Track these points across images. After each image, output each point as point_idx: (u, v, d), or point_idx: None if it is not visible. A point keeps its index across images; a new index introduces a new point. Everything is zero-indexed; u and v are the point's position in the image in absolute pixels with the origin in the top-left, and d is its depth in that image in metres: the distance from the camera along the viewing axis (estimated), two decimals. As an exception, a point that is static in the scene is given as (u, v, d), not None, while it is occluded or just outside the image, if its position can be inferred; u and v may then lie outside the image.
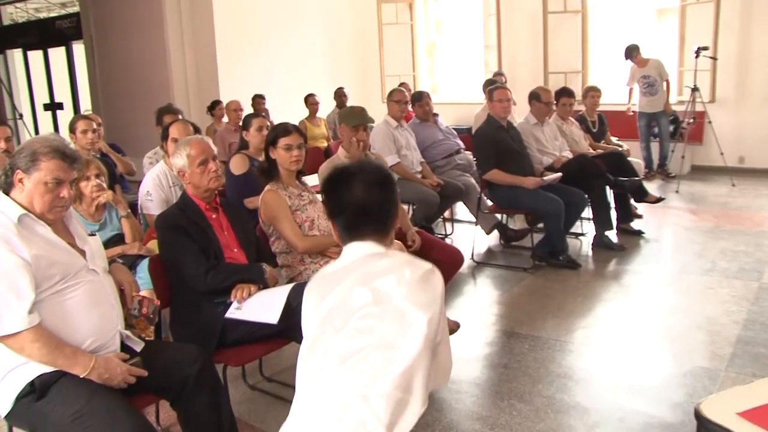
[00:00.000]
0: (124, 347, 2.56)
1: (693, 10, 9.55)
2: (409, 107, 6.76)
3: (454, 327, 3.67)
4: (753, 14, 9.09)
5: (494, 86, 6.02)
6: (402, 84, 8.66)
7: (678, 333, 4.20)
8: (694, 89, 8.58)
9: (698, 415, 1.75)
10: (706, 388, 3.41)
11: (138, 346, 2.60)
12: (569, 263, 5.46)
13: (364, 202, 1.89)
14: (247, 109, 8.06)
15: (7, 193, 2.42)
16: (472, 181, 6.13)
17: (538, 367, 3.75)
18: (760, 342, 3.95)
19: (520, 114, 7.00)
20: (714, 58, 8.93)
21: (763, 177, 8.94)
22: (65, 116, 13.16)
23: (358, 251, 1.89)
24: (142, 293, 2.91)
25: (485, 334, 4.30)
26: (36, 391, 2.29)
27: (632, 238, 6.23)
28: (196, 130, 4.69)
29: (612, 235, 6.07)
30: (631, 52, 8.99)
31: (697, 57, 8.52)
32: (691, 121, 8.78)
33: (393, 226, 1.96)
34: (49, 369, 2.31)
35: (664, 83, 8.93)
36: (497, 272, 5.55)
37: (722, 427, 1.69)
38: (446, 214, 6.64)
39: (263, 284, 3.13)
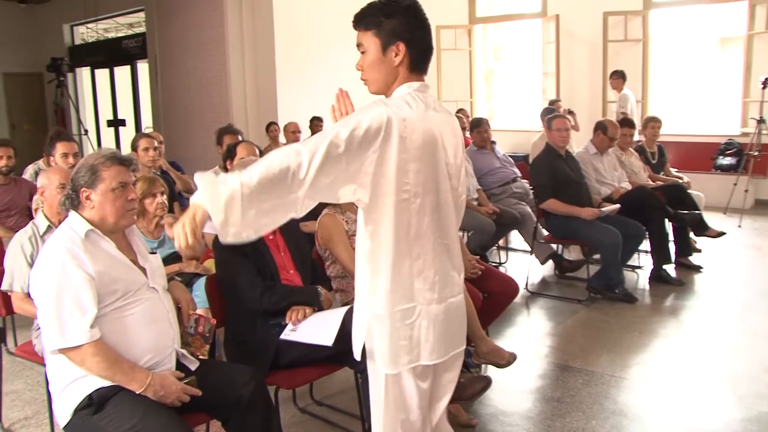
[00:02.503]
0: (180, 365, 2.59)
1: (760, 40, 9.34)
2: (467, 134, 6.73)
3: (510, 359, 3.60)
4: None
5: (553, 115, 5.98)
6: (459, 110, 8.68)
7: (742, 375, 4.05)
8: (760, 121, 8.37)
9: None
10: (769, 434, 3.29)
11: (193, 365, 2.63)
12: (625, 297, 5.35)
13: None
14: (305, 131, 8.14)
15: (80, 214, 2.48)
16: (528, 209, 6.07)
17: (592, 402, 3.67)
18: (829, 387, 3.79)
19: (577, 141, 6.91)
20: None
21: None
22: (127, 132, 13.52)
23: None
24: (198, 312, 2.95)
25: (538, 366, 4.23)
26: (94, 404, 2.33)
27: (691, 272, 6.08)
28: (260, 152, 4.77)
29: (670, 269, 5.94)
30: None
31: (764, 88, 8.33)
32: (756, 153, 8.55)
33: None
34: (107, 383, 2.35)
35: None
36: (551, 303, 5.47)
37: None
38: (501, 242, 6.59)
39: (318, 307, 3.14)
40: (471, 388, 3.27)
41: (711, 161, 9.44)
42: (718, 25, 10.61)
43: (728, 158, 9.38)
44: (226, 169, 4.65)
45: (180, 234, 1.81)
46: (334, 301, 3.36)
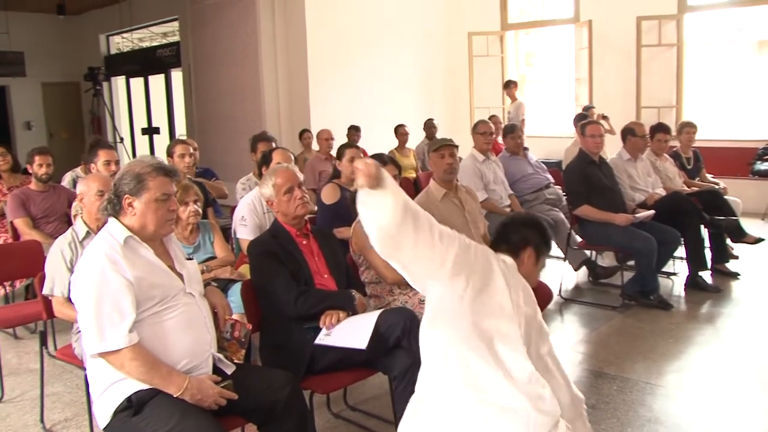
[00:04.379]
0: (216, 370, 2.62)
1: (797, 44, 9.22)
2: (499, 139, 6.70)
3: None
4: None
5: (586, 121, 5.94)
6: (492, 117, 8.65)
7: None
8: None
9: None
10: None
11: (229, 369, 2.66)
12: (661, 303, 5.29)
13: None
14: (339, 139, 8.18)
15: (119, 220, 2.53)
16: (562, 216, 6.04)
17: (627, 410, 3.63)
18: None
19: (611, 147, 6.86)
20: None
21: None
22: (161, 140, 13.72)
23: None
24: (234, 317, 2.98)
25: (572, 373, 4.19)
26: (133, 406, 2.38)
27: (728, 279, 6.00)
28: (295, 159, 4.81)
29: (706, 275, 5.85)
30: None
31: (801, 92, 8.20)
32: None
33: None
34: (145, 386, 2.39)
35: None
36: (585, 310, 5.43)
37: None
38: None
39: (353, 311, 3.16)
40: None
41: (748, 167, 9.29)
42: (754, 28, 10.46)
43: (766, 163, 9.23)
44: (260, 176, 4.70)
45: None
46: (368, 306, 3.37)
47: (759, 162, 9.28)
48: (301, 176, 3.40)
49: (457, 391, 2.15)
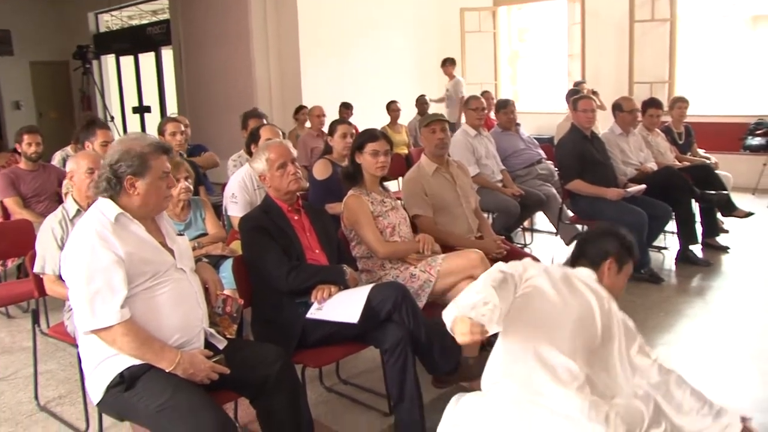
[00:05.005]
0: (208, 344, 2.63)
1: (791, 19, 9.20)
2: (491, 114, 6.68)
3: None
4: None
5: (579, 96, 5.93)
6: (484, 92, 8.63)
7: (765, 354, 4.03)
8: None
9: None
10: (798, 412, 3.27)
11: (221, 344, 2.66)
12: (651, 277, 5.32)
13: None
14: (331, 116, 8.15)
15: (114, 199, 2.50)
16: (554, 191, 6.04)
17: (618, 382, 3.65)
18: None
19: (603, 123, 6.87)
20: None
21: None
22: (153, 119, 13.64)
23: None
24: (226, 292, 2.99)
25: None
26: (125, 382, 2.38)
27: (718, 253, 6.03)
28: (283, 135, 4.80)
29: (697, 249, 5.88)
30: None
31: (794, 66, 8.20)
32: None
33: None
34: (137, 362, 2.39)
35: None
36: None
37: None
38: (526, 223, 6.57)
39: (344, 285, 3.17)
40: (477, 367, 3.30)
41: (740, 141, 9.31)
42: (748, 3, 10.40)
43: (758, 138, 9.24)
44: (250, 153, 4.68)
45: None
46: (359, 280, 3.39)
47: (750, 137, 9.29)
48: (294, 152, 3.39)
49: (511, 389, 2.21)
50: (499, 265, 2.36)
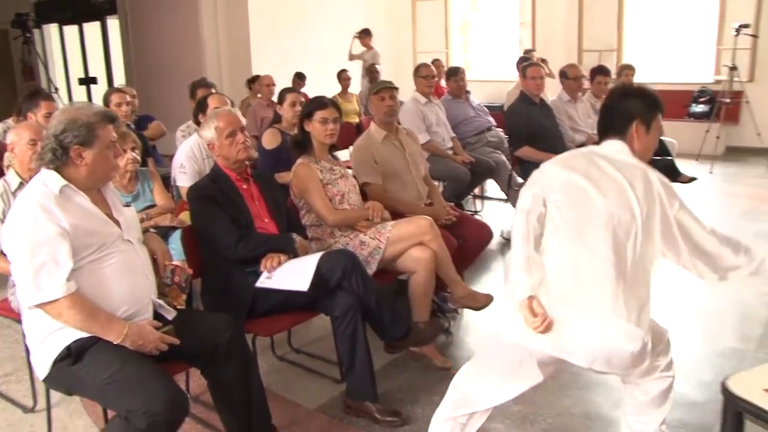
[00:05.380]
0: (157, 315, 2.61)
1: (734, -13, 9.35)
2: (442, 82, 6.69)
3: (486, 300, 3.68)
4: (796, -9, 8.88)
5: (528, 63, 5.98)
6: (435, 61, 8.63)
7: (709, 314, 4.19)
8: (733, 68, 8.43)
9: (726, 391, 1.76)
10: (734, 368, 3.35)
11: (170, 315, 2.65)
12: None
13: None
14: (281, 85, 8.06)
15: (59, 171, 2.44)
16: (503, 158, 6.10)
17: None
18: (792, 324, 3.93)
19: (553, 90, 6.94)
20: (755, 36, 8.75)
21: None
22: (99, 91, 13.31)
23: None
24: (175, 263, 2.96)
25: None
26: (72, 355, 2.35)
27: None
28: (231, 104, 4.74)
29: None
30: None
31: (737, 35, 8.37)
32: (728, 101, 8.64)
33: None
34: (84, 335, 2.36)
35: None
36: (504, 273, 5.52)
37: (749, 403, 1.70)
38: (476, 191, 6.63)
39: (293, 253, 3.17)
40: (429, 332, 3.36)
41: (684, 109, 9.51)
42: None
43: (701, 106, 9.45)
44: (198, 123, 4.62)
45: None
46: (309, 248, 3.39)
47: (695, 104, 9.50)
48: (243, 120, 3.36)
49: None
50: (521, 204, 2.34)
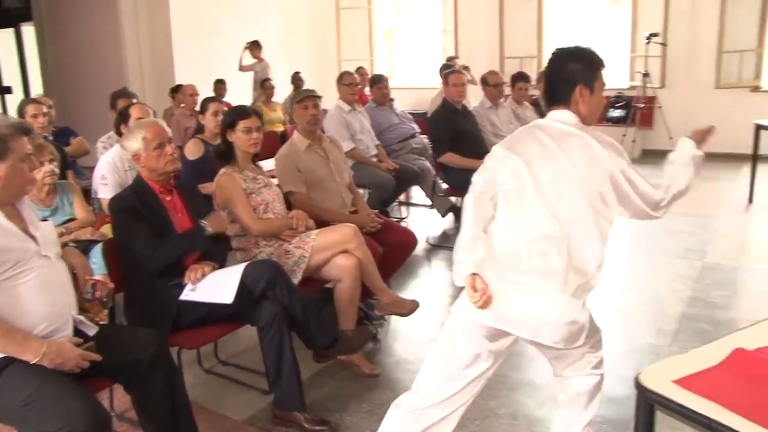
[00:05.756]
0: (78, 332, 2.55)
1: (646, -3, 9.73)
2: (366, 90, 6.73)
3: (412, 306, 3.73)
4: (701, 2, 9.29)
5: (450, 70, 6.08)
6: (359, 68, 8.67)
7: (626, 311, 4.35)
8: (645, 75, 8.76)
9: (638, 385, 1.83)
10: (651, 363, 3.48)
11: (91, 331, 2.59)
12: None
13: None
14: (205, 94, 7.97)
15: None
16: (428, 164, 6.18)
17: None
18: (702, 318, 4.13)
19: (476, 96, 7.07)
20: (664, 45, 9.13)
21: (710, 160, 9.01)
22: (15, 101, 12.86)
23: None
24: (97, 277, 2.91)
25: (440, 316, 4.35)
26: (-14, 376, 2.28)
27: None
28: (154, 114, 4.67)
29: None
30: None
31: (647, 43, 8.74)
32: (642, 106, 8.97)
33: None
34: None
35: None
36: (452, 255, 5.59)
37: (658, 395, 1.77)
38: (402, 197, 6.70)
39: (219, 262, 3.16)
40: (356, 340, 3.38)
41: (602, 114, 9.81)
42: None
43: (618, 111, 9.78)
44: (120, 134, 4.53)
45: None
46: (234, 259, 3.37)
47: (612, 109, 9.82)
48: (170, 131, 3.31)
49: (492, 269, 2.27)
50: (471, 189, 2.41)
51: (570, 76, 2.34)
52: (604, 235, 2.28)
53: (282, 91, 9.24)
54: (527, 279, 2.21)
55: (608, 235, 2.30)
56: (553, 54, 2.45)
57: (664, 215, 2.36)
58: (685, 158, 2.45)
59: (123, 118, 4.53)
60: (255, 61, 9.88)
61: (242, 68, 9.91)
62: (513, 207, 2.30)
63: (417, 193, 7.12)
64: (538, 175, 2.26)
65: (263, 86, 9.02)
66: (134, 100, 5.46)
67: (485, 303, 2.19)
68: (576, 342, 2.26)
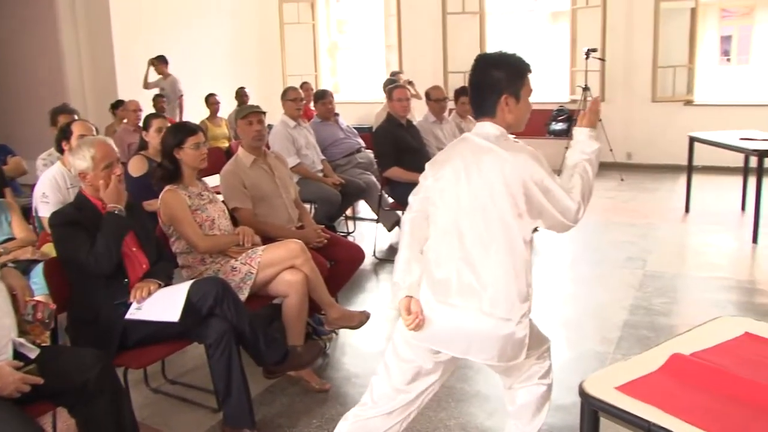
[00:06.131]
0: (18, 355, 2.50)
1: (583, 14, 10.00)
2: (311, 105, 6.73)
3: (362, 318, 3.75)
4: (635, 19, 9.59)
5: (394, 85, 6.14)
6: (304, 84, 8.68)
7: (571, 320, 4.45)
8: (585, 88, 8.98)
9: (582, 392, 1.88)
10: (596, 370, 3.58)
11: (32, 353, 2.54)
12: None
13: None
14: (147, 110, 7.88)
15: None
16: (373, 179, 6.21)
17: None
18: (644, 325, 4.24)
19: (420, 111, 7.14)
20: (602, 60, 9.36)
21: (648, 172, 9.46)
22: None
23: None
24: (38, 298, 2.85)
25: (388, 330, 4.38)
26: None
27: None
28: (96, 131, 4.58)
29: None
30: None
31: (587, 58, 8.96)
32: (583, 119, 9.16)
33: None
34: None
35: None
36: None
37: (601, 401, 1.83)
38: (348, 212, 6.71)
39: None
40: (306, 355, 3.38)
41: (545, 127, 10.00)
42: (549, 0, 11.19)
43: (560, 124, 9.97)
44: (61, 151, 4.44)
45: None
46: (180, 277, 3.34)
47: (554, 123, 10.02)
48: (117, 150, 3.26)
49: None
50: (407, 210, 2.44)
51: (494, 84, 2.30)
52: (521, 250, 2.26)
53: (226, 107, 9.17)
54: (456, 299, 2.25)
55: (525, 249, 2.28)
56: (476, 61, 2.40)
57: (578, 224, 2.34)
58: (583, 156, 2.44)
59: (64, 134, 4.43)
60: (160, 77, 9.49)
61: (147, 86, 9.46)
62: (438, 226, 2.33)
63: (363, 208, 7.14)
64: (456, 194, 2.28)
65: (176, 102, 8.80)
66: (75, 117, 5.37)
67: (417, 326, 2.24)
68: (516, 358, 2.28)
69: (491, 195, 2.22)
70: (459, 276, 2.24)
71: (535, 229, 2.36)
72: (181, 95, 9.17)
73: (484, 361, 2.30)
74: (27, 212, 4.39)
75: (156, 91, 8.91)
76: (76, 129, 4.31)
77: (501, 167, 2.22)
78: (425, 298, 2.28)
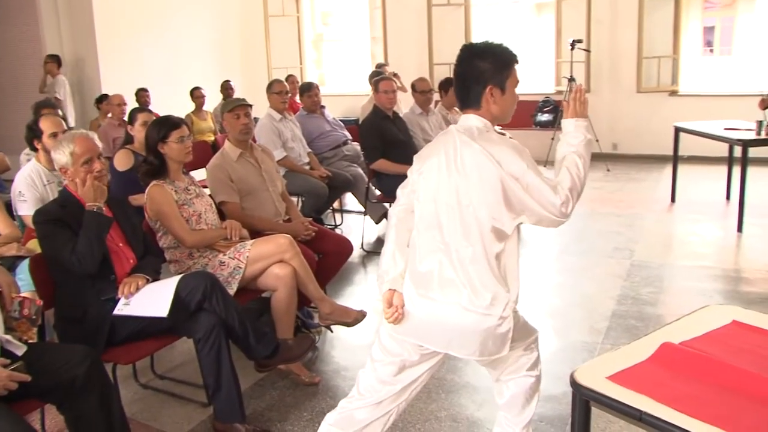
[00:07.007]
0: (5, 352, 2.48)
1: (567, 5, 10.00)
2: (297, 98, 6.70)
3: (358, 316, 3.75)
4: (620, 10, 9.62)
5: (380, 77, 6.12)
6: (289, 76, 8.64)
7: (559, 310, 4.47)
8: (571, 79, 8.99)
9: (573, 382, 1.89)
10: (584, 360, 3.61)
11: (19, 350, 2.51)
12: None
13: None
14: (132, 104, 7.82)
15: None
16: (360, 171, 6.21)
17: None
18: (632, 315, 4.27)
19: (406, 103, 7.14)
20: (588, 51, 9.38)
21: (634, 162, 9.50)
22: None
23: None
24: (24, 294, 2.82)
25: (376, 322, 4.37)
26: None
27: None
28: (66, 124, 4.46)
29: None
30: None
31: (572, 49, 8.97)
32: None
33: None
34: None
35: None
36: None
37: (593, 391, 1.83)
38: (335, 205, 6.70)
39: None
40: (297, 348, 3.36)
41: (531, 118, 10.02)
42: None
43: (546, 115, 10.00)
44: (35, 149, 4.32)
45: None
46: (168, 271, 3.32)
47: (540, 114, 10.04)
48: (100, 145, 3.23)
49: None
50: (395, 203, 2.45)
51: (479, 75, 2.26)
52: (502, 245, 2.24)
53: (212, 100, 9.12)
54: (437, 293, 2.24)
55: (508, 244, 2.26)
56: (461, 51, 2.35)
57: (569, 218, 2.27)
58: (570, 149, 2.39)
59: (33, 132, 4.27)
60: (53, 79, 9.09)
61: (43, 89, 9.11)
62: (422, 220, 2.32)
63: (350, 200, 7.14)
64: (437, 188, 2.27)
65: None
66: (60, 112, 5.30)
67: (396, 320, 2.25)
68: (499, 352, 2.26)
69: (469, 190, 2.21)
70: (441, 270, 2.24)
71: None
72: (58, 99, 8.73)
73: (466, 356, 2.30)
74: (11, 208, 4.34)
75: (141, 84, 8.81)
76: (45, 126, 4.19)
77: (479, 162, 2.20)
78: (408, 291, 2.28)
